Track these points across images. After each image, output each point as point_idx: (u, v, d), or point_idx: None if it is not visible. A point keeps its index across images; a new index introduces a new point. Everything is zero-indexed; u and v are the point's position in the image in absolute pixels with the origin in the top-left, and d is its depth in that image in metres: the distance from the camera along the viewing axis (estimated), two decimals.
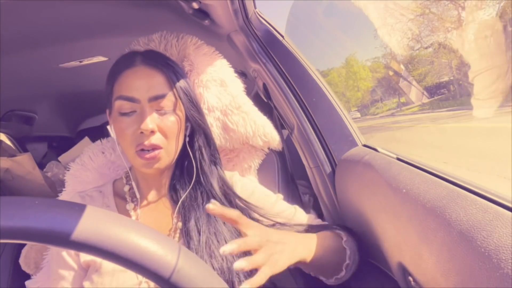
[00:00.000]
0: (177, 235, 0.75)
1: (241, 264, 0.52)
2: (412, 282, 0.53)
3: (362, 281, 0.77)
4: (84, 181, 0.93)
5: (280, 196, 0.86)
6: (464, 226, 0.40)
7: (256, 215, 0.77)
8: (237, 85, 0.95)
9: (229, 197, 0.79)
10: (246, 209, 0.77)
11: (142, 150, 0.72)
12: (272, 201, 0.83)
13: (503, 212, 0.39)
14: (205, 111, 0.90)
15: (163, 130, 0.73)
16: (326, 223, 0.87)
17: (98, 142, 0.99)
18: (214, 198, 0.78)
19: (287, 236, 0.64)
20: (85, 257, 0.73)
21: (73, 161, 0.97)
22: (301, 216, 0.84)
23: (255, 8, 1.00)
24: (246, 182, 0.86)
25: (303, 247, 0.66)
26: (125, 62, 0.76)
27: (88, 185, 0.92)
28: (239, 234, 0.73)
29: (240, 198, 0.79)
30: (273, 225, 0.76)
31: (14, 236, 0.33)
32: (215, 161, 0.82)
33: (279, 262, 0.59)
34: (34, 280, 0.94)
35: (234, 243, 0.53)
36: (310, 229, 0.78)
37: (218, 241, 0.72)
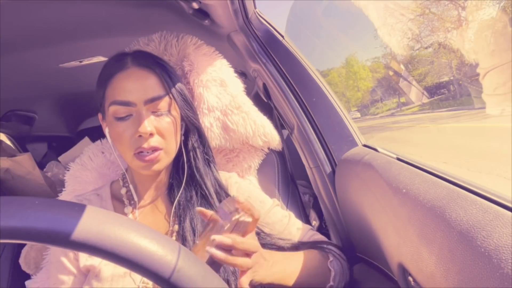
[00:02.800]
0: (174, 238, 0.75)
1: (220, 255, 0.53)
2: (412, 282, 0.53)
3: (362, 281, 0.77)
4: (84, 181, 0.93)
5: (276, 202, 0.85)
6: (464, 226, 0.40)
7: None
8: (237, 85, 0.95)
9: (220, 198, 0.78)
10: None
11: (141, 152, 0.71)
12: (266, 209, 0.82)
13: (503, 212, 0.39)
14: (205, 111, 0.90)
15: (161, 131, 0.72)
16: (318, 236, 0.83)
17: (98, 142, 0.99)
18: (208, 197, 0.77)
19: (268, 254, 0.64)
20: (84, 261, 0.73)
21: (73, 161, 0.97)
22: (294, 227, 0.81)
23: (255, 8, 1.00)
24: (243, 186, 0.85)
25: (281, 269, 0.66)
26: (115, 65, 0.74)
27: (88, 185, 0.92)
28: None
29: None
30: (257, 234, 0.74)
31: (14, 236, 0.33)
32: (208, 159, 0.82)
33: (258, 273, 0.60)
34: (34, 280, 0.94)
35: (230, 238, 0.54)
36: (297, 245, 0.77)
37: None
